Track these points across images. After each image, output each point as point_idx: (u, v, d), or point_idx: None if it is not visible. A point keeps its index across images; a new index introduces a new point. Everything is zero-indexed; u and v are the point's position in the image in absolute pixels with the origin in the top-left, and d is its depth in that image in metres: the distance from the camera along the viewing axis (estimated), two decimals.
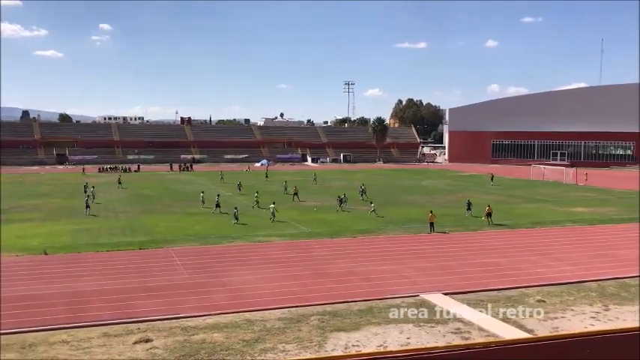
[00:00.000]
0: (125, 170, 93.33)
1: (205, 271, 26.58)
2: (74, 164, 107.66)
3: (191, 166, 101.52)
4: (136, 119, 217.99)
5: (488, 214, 40.34)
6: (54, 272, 26.27)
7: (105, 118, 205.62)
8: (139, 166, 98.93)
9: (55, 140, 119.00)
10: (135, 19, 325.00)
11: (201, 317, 20.03)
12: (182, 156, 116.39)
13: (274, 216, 40.98)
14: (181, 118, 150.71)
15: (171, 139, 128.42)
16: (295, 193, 54.25)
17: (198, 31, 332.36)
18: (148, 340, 17.78)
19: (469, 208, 43.76)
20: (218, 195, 48.10)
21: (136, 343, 17.63)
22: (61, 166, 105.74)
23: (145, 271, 26.49)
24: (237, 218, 39.96)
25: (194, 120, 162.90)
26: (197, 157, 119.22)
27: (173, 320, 19.74)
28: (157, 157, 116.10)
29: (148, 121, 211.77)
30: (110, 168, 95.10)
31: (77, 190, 62.15)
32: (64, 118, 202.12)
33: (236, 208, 41.20)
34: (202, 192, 51.04)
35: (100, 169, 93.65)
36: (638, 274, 26.00)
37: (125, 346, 17.47)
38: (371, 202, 46.02)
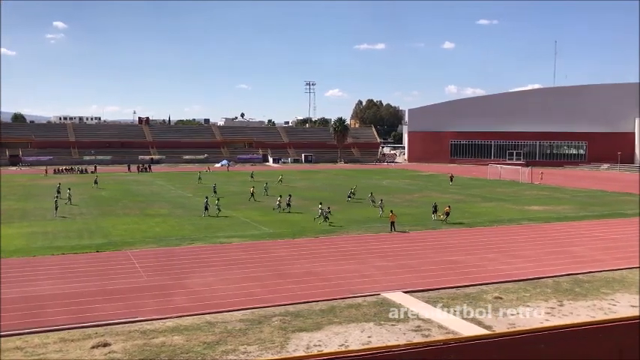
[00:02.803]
0: (82, 171, 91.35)
1: (165, 274, 26.20)
2: (28, 165, 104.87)
3: (149, 166, 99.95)
4: (92, 119, 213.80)
5: (447, 214, 40.95)
6: (7, 277, 25.42)
7: (60, 118, 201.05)
8: (95, 167, 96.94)
9: (8, 141, 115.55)
10: (91, 17, 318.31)
11: (160, 320, 19.75)
12: (140, 157, 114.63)
13: (328, 219, 40.12)
14: (139, 118, 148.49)
15: (129, 139, 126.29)
16: (252, 194, 54.16)
17: (155, 30, 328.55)
18: (106, 345, 17.44)
19: (435, 211, 42.61)
20: (207, 197, 47.07)
21: (93, 347, 17.27)
22: (13, 168, 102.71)
23: (102, 274, 25.95)
24: (326, 219, 39.68)
25: (152, 120, 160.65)
26: (155, 157, 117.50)
27: (132, 324, 19.40)
28: (114, 158, 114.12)
29: (105, 121, 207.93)
30: (66, 169, 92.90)
31: (31, 193, 60.61)
32: (17, 118, 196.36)
33: (330, 206, 41.15)
34: (207, 197, 47.06)
35: (55, 170, 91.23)
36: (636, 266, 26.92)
37: (82, 350, 17.09)
38: (381, 200, 46.17)
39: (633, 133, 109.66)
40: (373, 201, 49.13)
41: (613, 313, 20.22)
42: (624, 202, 54.47)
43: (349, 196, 54.31)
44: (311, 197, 54.60)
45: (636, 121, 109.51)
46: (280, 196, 48.08)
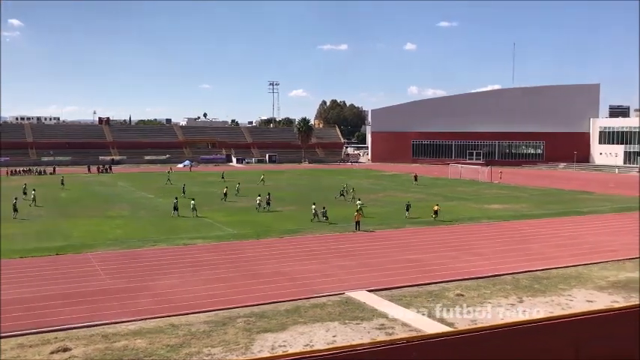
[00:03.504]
0: (40, 173, 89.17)
1: (127, 276, 25.83)
2: None
3: (110, 167, 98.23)
4: (51, 119, 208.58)
5: (435, 212, 42.29)
6: None
7: (17, 119, 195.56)
8: (54, 168, 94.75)
9: None
10: (49, 15, 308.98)
11: (123, 323, 19.46)
12: (100, 157, 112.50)
13: (327, 217, 40.85)
14: (99, 118, 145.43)
15: (89, 139, 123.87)
16: (225, 194, 54.23)
17: (116, 29, 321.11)
18: (66, 349, 17.11)
19: (407, 210, 43.74)
20: (176, 198, 46.84)
21: (53, 353, 16.93)
22: None
23: (62, 278, 25.43)
24: (325, 217, 40.50)
25: (113, 120, 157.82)
26: (116, 158, 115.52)
27: (93, 327, 19.08)
28: (74, 159, 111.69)
29: (64, 122, 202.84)
30: (23, 170, 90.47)
31: None
32: None
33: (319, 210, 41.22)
34: (176, 197, 47.20)
35: (12, 171, 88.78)
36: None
37: (41, 356, 16.73)
38: (358, 199, 47.09)
39: (589, 133, 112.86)
40: (353, 197, 50.52)
41: (570, 309, 20.81)
42: (580, 200, 56.04)
43: (342, 194, 55.31)
44: (277, 197, 54.47)
45: (591, 121, 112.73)
46: (259, 196, 48.29)
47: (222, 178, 76.72)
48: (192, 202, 44.67)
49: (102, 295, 22.78)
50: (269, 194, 48.87)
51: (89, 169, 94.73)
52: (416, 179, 74.65)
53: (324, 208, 41.90)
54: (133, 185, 70.47)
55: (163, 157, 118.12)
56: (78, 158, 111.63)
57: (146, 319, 19.92)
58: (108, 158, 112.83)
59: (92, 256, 29.64)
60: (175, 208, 43.67)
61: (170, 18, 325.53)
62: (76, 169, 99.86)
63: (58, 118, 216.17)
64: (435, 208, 42.90)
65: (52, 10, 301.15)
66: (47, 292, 23.10)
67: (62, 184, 67.38)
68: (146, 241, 33.99)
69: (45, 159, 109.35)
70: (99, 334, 18.47)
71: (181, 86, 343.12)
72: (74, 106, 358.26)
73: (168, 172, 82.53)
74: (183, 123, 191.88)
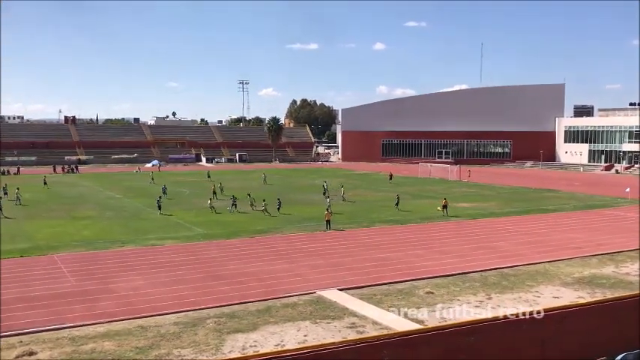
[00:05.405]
0: (3, 173, 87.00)
1: (94, 278, 25.39)
2: None
3: (76, 167, 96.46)
4: (14, 118, 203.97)
5: (444, 207, 43.97)
6: None
7: None
8: (18, 168, 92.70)
9: None
10: (11, 11, 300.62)
11: (90, 326, 19.15)
12: (66, 157, 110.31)
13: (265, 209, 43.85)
14: (65, 117, 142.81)
15: (55, 139, 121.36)
16: (214, 192, 54.26)
17: (81, 26, 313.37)
18: (32, 354, 16.75)
19: (397, 204, 47.31)
20: (160, 197, 47.72)
21: (18, 357, 16.55)
22: None
23: (26, 280, 24.88)
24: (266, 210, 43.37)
25: (79, 119, 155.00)
26: (83, 158, 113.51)
27: (59, 330, 18.71)
28: (39, 159, 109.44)
29: (28, 121, 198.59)
30: None
31: None
32: None
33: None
34: (160, 196, 48.77)
35: None
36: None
37: None
38: (328, 200, 48.24)
39: (554, 132, 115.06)
40: (331, 196, 51.14)
41: (537, 305, 21.16)
42: (546, 198, 57.10)
43: (324, 193, 55.51)
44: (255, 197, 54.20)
45: (556, 120, 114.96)
46: (259, 200, 47.18)
47: (209, 177, 77.07)
48: (210, 200, 47.86)
49: (68, 297, 22.36)
50: (234, 197, 47.99)
51: (54, 170, 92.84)
52: (391, 178, 75.14)
53: (264, 200, 44.77)
54: (100, 185, 69.35)
55: (131, 157, 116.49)
56: (43, 158, 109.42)
57: (114, 321, 19.62)
58: (74, 158, 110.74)
59: (58, 258, 29.07)
60: (159, 207, 44.73)
61: (136, 15, 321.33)
62: (41, 169, 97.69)
63: (22, 117, 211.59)
64: (443, 202, 44.49)
65: (16, 8, 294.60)
66: (12, 295, 22.57)
67: (45, 183, 65.86)
68: (114, 242, 33.47)
69: (9, 159, 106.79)
70: (66, 337, 18.13)
71: (149, 85, 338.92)
72: (39, 105, 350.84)
73: (153, 172, 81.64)
74: (151, 122, 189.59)
